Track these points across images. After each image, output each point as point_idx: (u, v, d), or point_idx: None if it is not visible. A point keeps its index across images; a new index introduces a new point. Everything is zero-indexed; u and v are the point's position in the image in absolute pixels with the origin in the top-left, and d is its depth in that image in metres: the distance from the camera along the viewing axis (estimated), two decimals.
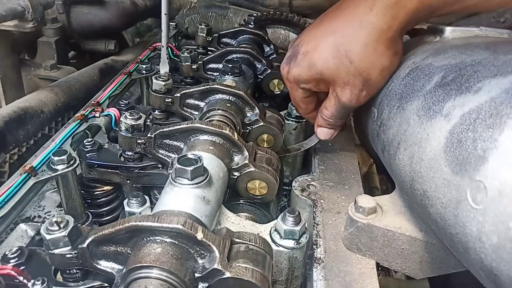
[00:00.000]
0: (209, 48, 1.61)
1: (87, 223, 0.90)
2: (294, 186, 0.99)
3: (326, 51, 0.88)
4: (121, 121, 0.89)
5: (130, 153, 0.91)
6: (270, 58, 1.48)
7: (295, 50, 0.96)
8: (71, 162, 0.84)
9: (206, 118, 0.98)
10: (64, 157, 0.82)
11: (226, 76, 1.23)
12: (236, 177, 0.86)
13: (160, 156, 0.89)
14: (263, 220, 0.89)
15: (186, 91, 1.07)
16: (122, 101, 1.15)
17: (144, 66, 1.36)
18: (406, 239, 0.76)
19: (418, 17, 0.87)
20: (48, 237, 0.60)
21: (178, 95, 1.06)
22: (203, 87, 1.06)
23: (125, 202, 0.74)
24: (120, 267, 0.63)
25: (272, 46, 1.53)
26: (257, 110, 1.04)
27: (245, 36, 1.54)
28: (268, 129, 1.02)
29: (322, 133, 1.03)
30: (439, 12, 0.87)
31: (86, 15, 1.89)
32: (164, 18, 1.08)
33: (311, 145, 1.11)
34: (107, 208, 0.98)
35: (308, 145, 1.11)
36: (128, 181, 0.93)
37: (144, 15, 2.24)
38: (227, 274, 0.58)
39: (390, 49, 0.86)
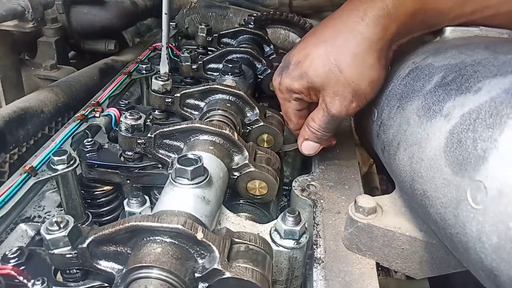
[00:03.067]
0: (209, 48, 1.61)
1: (87, 223, 0.90)
2: (294, 186, 0.99)
3: (316, 60, 0.88)
4: (121, 121, 0.89)
5: (130, 153, 0.91)
6: (270, 58, 1.48)
7: (287, 61, 0.96)
8: (71, 162, 0.84)
9: (206, 118, 0.98)
10: (64, 157, 0.82)
11: (226, 76, 1.23)
12: (236, 177, 0.86)
13: (160, 156, 0.89)
14: (263, 220, 0.89)
15: (186, 91, 1.07)
16: (122, 101, 1.15)
17: (144, 66, 1.36)
18: (406, 239, 0.76)
19: (409, 30, 0.87)
20: (48, 237, 0.60)
21: (178, 95, 1.06)
22: (203, 87, 1.06)
23: (125, 202, 0.74)
24: (120, 267, 0.63)
25: (272, 46, 1.52)
26: (257, 110, 1.04)
27: (245, 36, 1.54)
28: (268, 129, 1.02)
29: (307, 147, 1.01)
30: (434, 29, 0.88)
31: (86, 15, 1.89)
32: (164, 18, 1.08)
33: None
34: (107, 208, 0.98)
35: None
36: (128, 181, 0.93)
37: (144, 15, 2.24)
38: (227, 274, 0.58)
39: (379, 61, 0.85)
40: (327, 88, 0.88)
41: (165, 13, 1.07)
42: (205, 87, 1.06)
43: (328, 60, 0.86)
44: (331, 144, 1.09)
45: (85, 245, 0.61)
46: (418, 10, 0.83)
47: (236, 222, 0.77)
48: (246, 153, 0.86)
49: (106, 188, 0.96)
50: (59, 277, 0.67)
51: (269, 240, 0.71)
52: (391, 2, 0.81)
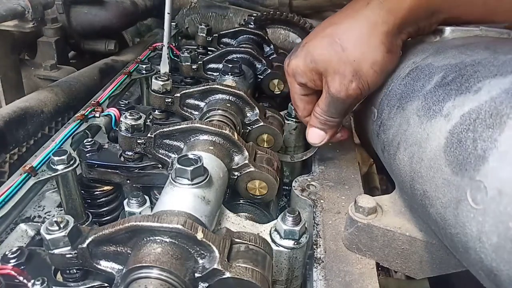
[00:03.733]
0: (209, 48, 1.61)
1: (87, 223, 0.91)
2: (294, 186, 0.99)
3: (322, 40, 0.91)
4: (121, 121, 0.89)
5: (130, 153, 0.91)
6: (270, 58, 1.48)
7: (298, 45, 0.98)
8: (71, 162, 0.84)
9: (206, 118, 0.98)
10: (64, 157, 0.82)
11: (226, 76, 1.23)
12: (236, 177, 0.86)
13: (160, 156, 0.89)
14: (263, 220, 0.89)
15: (186, 91, 1.07)
16: (122, 101, 1.15)
17: (144, 66, 1.36)
18: (406, 239, 0.76)
19: (417, 17, 0.87)
20: (48, 237, 0.60)
21: (178, 95, 1.06)
22: (203, 87, 1.06)
23: (125, 202, 0.74)
24: (120, 267, 0.63)
25: (272, 46, 1.53)
26: (257, 110, 1.04)
27: (245, 36, 1.54)
28: (268, 129, 1.02)
29: (313, 135, 1.01)
30: (440, 16, 0.87)
31: (86, 15, 1.89)
32: (167, 18, 1.08)
33: (314, 151, 1.10)
34: (107, 208, 0.98)
35: (311, 152, 1.10)
36: (128, 181, 0.93)
37: (144, 15, 2.24)
38: (227, 274, 0.58)
39: (384, 44, 0.86)
40: (329, 67, 0.89)
41: (168, 13, 1.07)
42: (205, 87, 1.06)
43: (333, 40, 0.88)
44: (339, 137, 1.07)
45: (85, 245, 0.61)
46: None
47: (236, 222, 0.77)
48: (246, 153, 0.86)
49: (106, 188, 0.96)
50: (59, 277, 0.67)
51: (269, 240, 0.71)
52: None
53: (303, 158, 1.12)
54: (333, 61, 0.88)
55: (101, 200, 0.97)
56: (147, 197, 0.75)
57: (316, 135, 1.01)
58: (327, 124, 0.99)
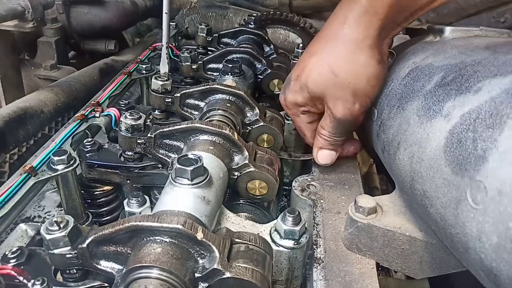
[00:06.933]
0: (209, 48, 1.61)
1: (87, 223, 0.90)
2: (294, 186, 0.99)
3: (312, 70, 0.91)
4: (121, 121, 0.89)
5: (130, 153, 0.91)
6: (270, 58, 1.48)
7: (288, 79, 1.00)
8: (71, 162, 0.84)
9: (206, 118, 0.98)
10: (64, 157, 0.82)
11: (226, 76, 1.23)
12: (236, 177, 0.86)
13: (160, 156, 0.89)
14: (263, 220, 0.89)
15: (186, 91, 1.07)
16: (122, 101, 1.15)
17: (144, 66, 1.36)
18: (406, 239, 0.76)
19: (394, 22, 0.88)
20: (48, 237, 0.60)
21: (178, 95, 1.06)
22: (203, 87, 1.06)
23: (125, 202, 0.74)
24: (120, 267, 0.63)
25: (272, 46, 1.52)
26: (257, 110, 1.04)
27: (245, 36, 1.54)
28: (268, 129, 1.02)
29: (323, 156, 1.01)
30: (419, 13, 0.88)
31: (86, 15, 1.89)
32: (165, 18, 1.08)
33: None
34: (107, 208, 0.98)
35: (310, 156, 1.10)
36: (128, 181, 0.93)
37: (144, 15, 2.24)
38: (227, 274, 0.58)
39: (372, 57, 0.86)
40: (328, 95, 0.90)
41: (166, 13, 1.07)
42: (205, 87, 1.06)
43: (323, 68, 0.89)
44: (353, 151, 1.08)
45: (85, 245, 0.61)
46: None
47: (236, 222, 0.77)
48: (246, 153, 0.86)
49: (106, 188, 0.96)
50: (59, 277, 0.67)
51: (269, 240, 0.71)
52: (366, 0, 0.83)
53: (302, 159, 1.12)
54: (330, 88, 0.89)
55: (101, 200, 0.97)
56: (147, 197, 0.75)
57: (327, 156, 1.02)
58: (336, 144, 1.00)
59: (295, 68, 0.98)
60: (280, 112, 1.12)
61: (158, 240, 0.60)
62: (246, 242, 0.64)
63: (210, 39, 1.57)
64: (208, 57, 1.35)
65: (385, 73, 0.91)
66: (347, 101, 0.89)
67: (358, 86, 0.87)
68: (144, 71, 1.36)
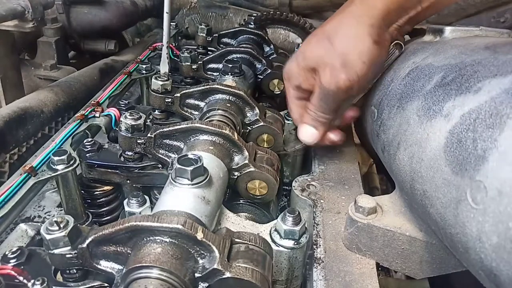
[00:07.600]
0: (209, 48, 1.61)
1: (87, 223, 0.90)
2: (294, 186, 0.99)
3: (313, 40, 0.97)
4: (121, 121, 0.89)
5: (130, 153, 0.91)
6: (270, 58, 1.48)
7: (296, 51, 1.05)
8: (71, 162, 0.84)
9: (206, 118, 0.98)
10: (64, 157, 0.82)
11: (226, 76, 1.23)
12: (236, 177, 0.86)
13: (160, 156, 0.89)
14: (263, 220, 0.89)
15: (186, 91, 1.07)
16: (122, 101, 1.15)
17: (144, 66, 1.36)
18: (406, 239, 0.76)
19: (402, 8, 0.91)
20: (48, 237, 0.60)
21: (178, 95, 1.06)
22: (203, 87, 1.06)
23: (125, 202, 0.74)
24: (120, 267, 0.63)
25: (272, 46, 1.53)
26: (257, 110, 1.04)
27: (245, 36, 1.54)
28: (268, 129, 1.02)
29: (304, 132, 1.03)
30: (424, 4, 0.90)
31: (86, 15, 1.89)
32: (166, 17, 1.08)
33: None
34: (107, 208, 0.98)
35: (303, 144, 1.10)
36: (128, 181, 0.93)
37: (144, 15, 2.24)
38: (227, 274, 0.58)
39: (370, 35, 0.89)
40: (320, 62, 0.93)
41: (167, 12, 1.07)
42: (205, 87, 1.06)
43: (323, 38, 0.94)
44: (333, 139, 1.06)
45: (85, 245, 0.61)
46: None
47: (236, 222, 0.77)
48: (246, 153, 0.86)
49: (106, 188, 0.96)
50: (59, 277, 0.67)
51: (269, 240, 0.71)
52: None
53: (296, 148, 1.12)
54: (323, 55, 0.92)
55: (101, 200, 0.97)
56: (147, 197, 0.75)
57: (307, 132, 1.03)
58: (318, 120, 1.00)
59: (305, 40, 1.03)
60: (280, 112, 1.12)
61: (158, 240, 0.60)
62: (246, 242, 0.64)
63: (210, 39, 1.57)
64: (208, 57, 1.35)
65: (381, 58, 0.93)
66: (335, 69, 0.91)
67: (349, 57, 0.89)
68: (144, 71, 1.36)
